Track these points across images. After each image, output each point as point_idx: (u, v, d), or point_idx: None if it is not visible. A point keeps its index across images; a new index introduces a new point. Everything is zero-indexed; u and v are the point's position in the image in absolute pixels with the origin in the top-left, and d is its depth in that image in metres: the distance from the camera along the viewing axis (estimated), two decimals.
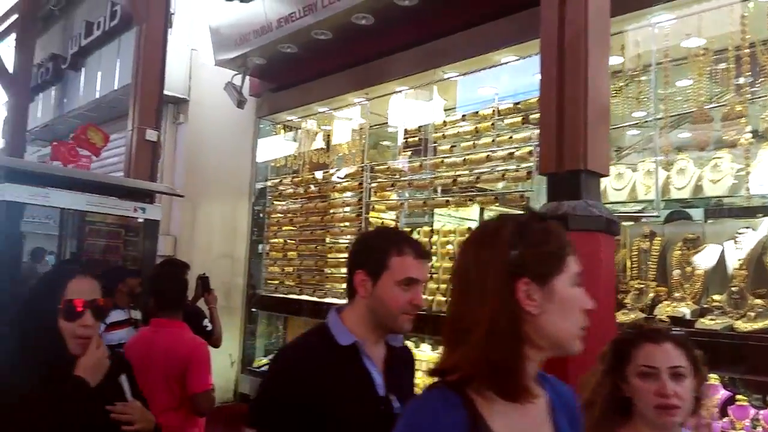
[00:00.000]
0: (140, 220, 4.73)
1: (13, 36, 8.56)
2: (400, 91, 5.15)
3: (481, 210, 6.02)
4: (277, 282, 6.13)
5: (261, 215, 6.58)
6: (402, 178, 5.06)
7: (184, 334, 2.98)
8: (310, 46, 5.42)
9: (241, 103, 6.09)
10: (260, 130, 6.62)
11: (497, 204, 4.29)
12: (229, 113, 6.39)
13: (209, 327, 4.04)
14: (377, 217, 5.40)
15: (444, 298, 4.16)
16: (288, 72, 5.99)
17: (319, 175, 5.92)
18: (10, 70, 7.75)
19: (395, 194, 5.30)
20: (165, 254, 5.44)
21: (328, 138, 6.09)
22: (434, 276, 4.54)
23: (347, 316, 1.60)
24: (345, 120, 5.86)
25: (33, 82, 8.07)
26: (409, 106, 5.13)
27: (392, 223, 5.30)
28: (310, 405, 1.43)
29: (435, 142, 4.90)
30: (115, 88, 6.76)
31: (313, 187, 5.94)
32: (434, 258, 4.68)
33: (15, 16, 8.33)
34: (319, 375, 1.46)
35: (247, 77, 6.15)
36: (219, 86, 6.11)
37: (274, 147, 6.56)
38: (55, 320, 1.56)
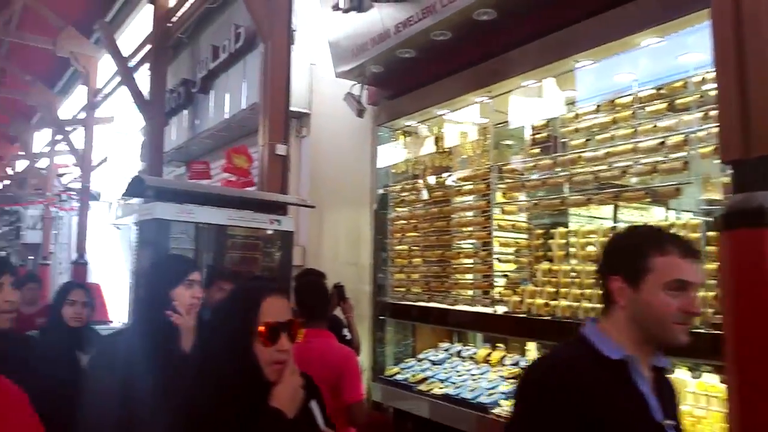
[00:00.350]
0: (269, 232, 4.87)
1: (147, 65, 9.24)
2: (525, 86, 4.93)
3: (615, 208, 5.64)
4: (403, 289, 6.09)
5: (384, 222, 6.58)
6: (532, 177, 4.83)
7: (333, 344, 2.97)
8: (429, 48, 5.35)
9: (360, 113, 6.16)
10: (379, 138, 6.63)
11: (648, 199, 3.95)
12: (348, 124, 6.50)
13: (348, 336, 4.04)
14: (504, 219, 5.21)
15: None
16: (406, 77, 5.95)
17: (439, 179, 5.83)
18: (146, 97, 8.37)
19: (524, 194, 5.07)
20: (296, 264, 5.57)
21: (447, 141, 5.98)
22: (576, 280, 4.28)
23: (607, 328, 1.43)
24: (465, 122, 5.72)
25: (167, 107, 8.66)
26: (532, 101, 4.90)
27: (524, 225, 5.09)
28: (588, 423, 1.27)
29: (565, 137, 4.64)
30: (243, 107, 7.06)
31: (434, 192, 5.86)
32: (574, 261, 4.43)
33: (148, 47, 8.98)
34: (592, 391, 1.30)
35: (365, 86, 6.21)
36: (338, 98, 6.22)
37: (393, 153, 6.54)
38: (250, 345, 1.44)
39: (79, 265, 11.80)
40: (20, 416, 1.09)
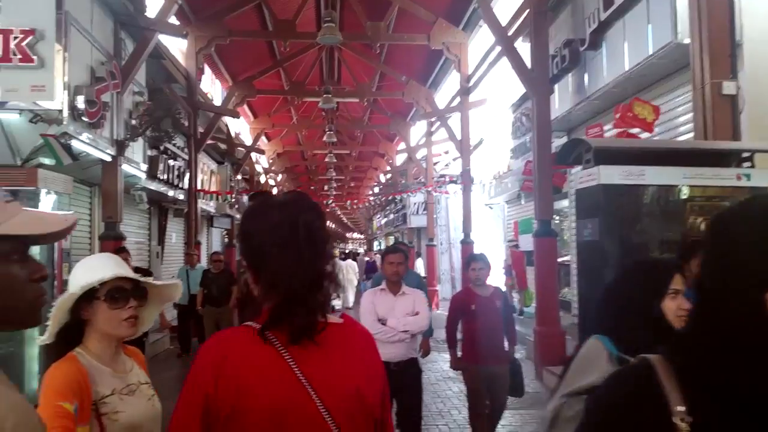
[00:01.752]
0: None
1: (521, 37, 8.96)
2: None
3: None
4: None
5: None
6: None
7: None
8: None
9: None
10: None
11: None
12: None
13: None
14: None
15: None
16: None
17: None
18: (529, 66, 8.03)
19: None
20: None
21: None
22: None
23: None
24: None
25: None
26: None
27: None
28: None
29: None
30: (650, 53, 6.13)
31: None
32: None
33: (525, 13, 8.65)
34: None
35: None
36: None
37: None
38: None
39: (467, 244, 12.44)
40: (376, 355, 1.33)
